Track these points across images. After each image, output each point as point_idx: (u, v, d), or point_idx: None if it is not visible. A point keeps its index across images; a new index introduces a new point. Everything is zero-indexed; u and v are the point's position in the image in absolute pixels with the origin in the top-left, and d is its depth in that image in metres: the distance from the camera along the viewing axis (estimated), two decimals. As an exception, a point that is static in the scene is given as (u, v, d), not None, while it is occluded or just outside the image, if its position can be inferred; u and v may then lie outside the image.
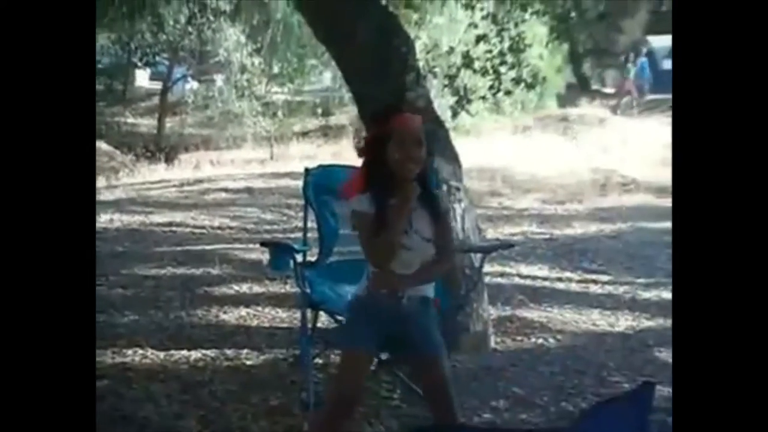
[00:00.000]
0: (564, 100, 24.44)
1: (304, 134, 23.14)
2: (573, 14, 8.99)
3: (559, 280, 7.11)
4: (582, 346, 5.23)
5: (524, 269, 7.40)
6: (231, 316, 5.65)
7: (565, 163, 14.01)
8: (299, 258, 4.03)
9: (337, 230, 4.34)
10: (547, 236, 9.12)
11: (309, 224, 4.36)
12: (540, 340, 5.32)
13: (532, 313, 5.90)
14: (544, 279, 7.11)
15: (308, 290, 3.96)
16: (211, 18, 21.15)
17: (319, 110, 24.79)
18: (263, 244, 4.22)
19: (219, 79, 24.92)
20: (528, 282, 6.92)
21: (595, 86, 33.79)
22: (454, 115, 8.84)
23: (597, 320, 5.82)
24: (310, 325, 4.23)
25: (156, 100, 28.02)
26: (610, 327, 5.69)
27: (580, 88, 29.93)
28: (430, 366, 3.08)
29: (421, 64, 6.37)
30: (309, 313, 4.24)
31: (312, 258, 4.34)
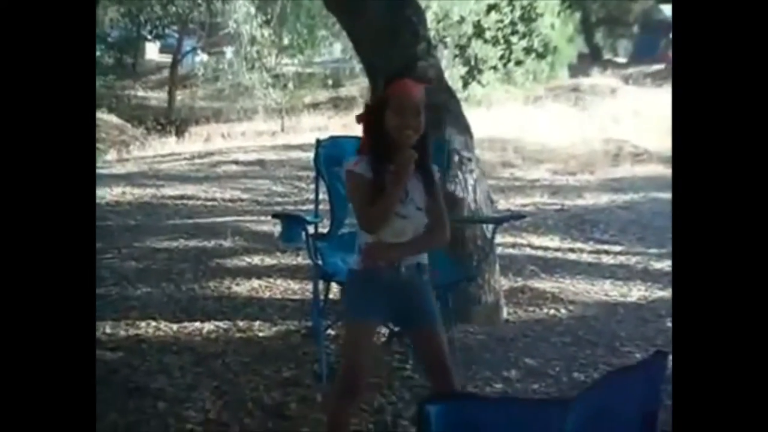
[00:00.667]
0: (576, 70, 24.30)
1: (315, 106, 23.11)
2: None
3: (571, 250, 7.10)
4: (594, 316, 5.23)
5: (536, 240, 7.39)
6: (243, 288, 5.66)
7: (577, 133, 13.93)
8: (311, 230, 4.03)
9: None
10: (559, 207, 9.09)
11: (320, 196, 4.34)
12: (552, 311, 5.32)
13: (544, 284, 5.89)
14: (556, 250, 7.10)
15: (320, 262, 3.97)
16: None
17: (330, 82, 24.74)
18: (275, 216, 4.22)
19: (229, 51, 24.85)
20: (540, 253, 6.91)
21: (607, 56, 33.61)
22: (465, 85, 8.84)
23: (609, 291, 5.82)
24: (322, 297, 4.24)
25: (166, 73, 28.00)
26: (622, 297, 5.68)
27: (592, 58, 29.76)
28: (426, 335, 3.07)
29: (431, 34, 6.34)
30: (321, 285, 4.24)
31: (324, 230, 4.34)
